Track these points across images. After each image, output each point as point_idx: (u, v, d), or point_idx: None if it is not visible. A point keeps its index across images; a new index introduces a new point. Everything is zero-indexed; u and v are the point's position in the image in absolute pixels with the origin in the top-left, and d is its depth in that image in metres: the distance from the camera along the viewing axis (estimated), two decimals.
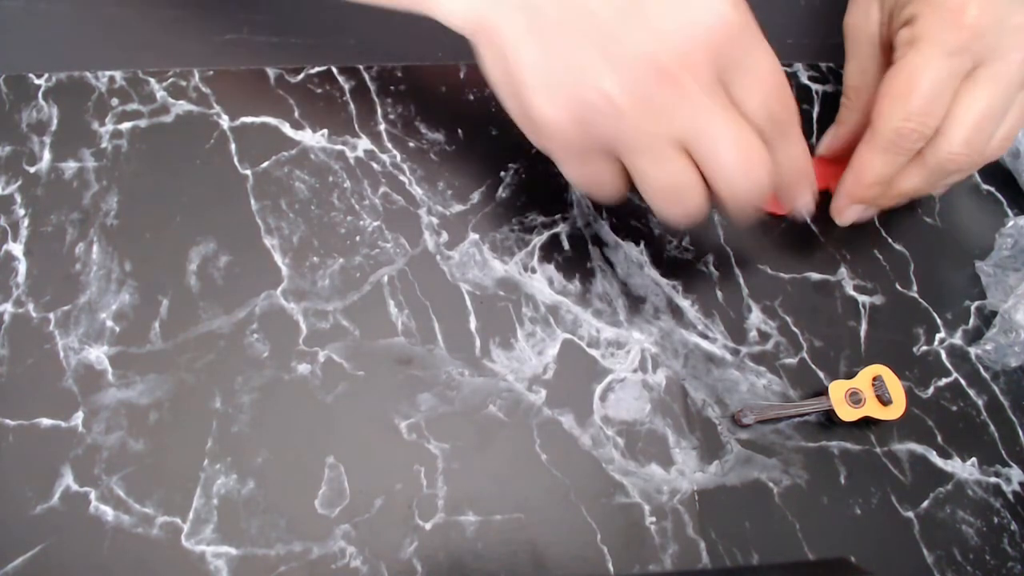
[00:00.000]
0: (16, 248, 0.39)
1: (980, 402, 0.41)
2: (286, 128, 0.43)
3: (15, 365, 0.37)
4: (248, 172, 0.42)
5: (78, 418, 0.37)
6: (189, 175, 0.41)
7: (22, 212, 0.40)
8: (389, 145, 0.43)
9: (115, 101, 0.43)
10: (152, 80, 0.43)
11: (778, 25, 0.47)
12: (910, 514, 0.38)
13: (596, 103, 0.32)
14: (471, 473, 0.37)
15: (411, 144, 0.44)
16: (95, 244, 0.40)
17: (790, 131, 0.35)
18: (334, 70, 0.45)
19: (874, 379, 0.39)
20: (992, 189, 0.46)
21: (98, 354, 0.38)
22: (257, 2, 0.46)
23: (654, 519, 0.37)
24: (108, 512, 0.35)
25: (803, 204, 0.39)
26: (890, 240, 0.44)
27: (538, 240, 0.42)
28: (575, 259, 0.42)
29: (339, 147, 0.43)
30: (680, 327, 0.41)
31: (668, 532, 0.37)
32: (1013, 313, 0.41)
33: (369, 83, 0.45)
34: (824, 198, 0.42)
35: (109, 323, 0.38)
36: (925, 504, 0.39)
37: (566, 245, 0.42)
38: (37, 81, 0.43)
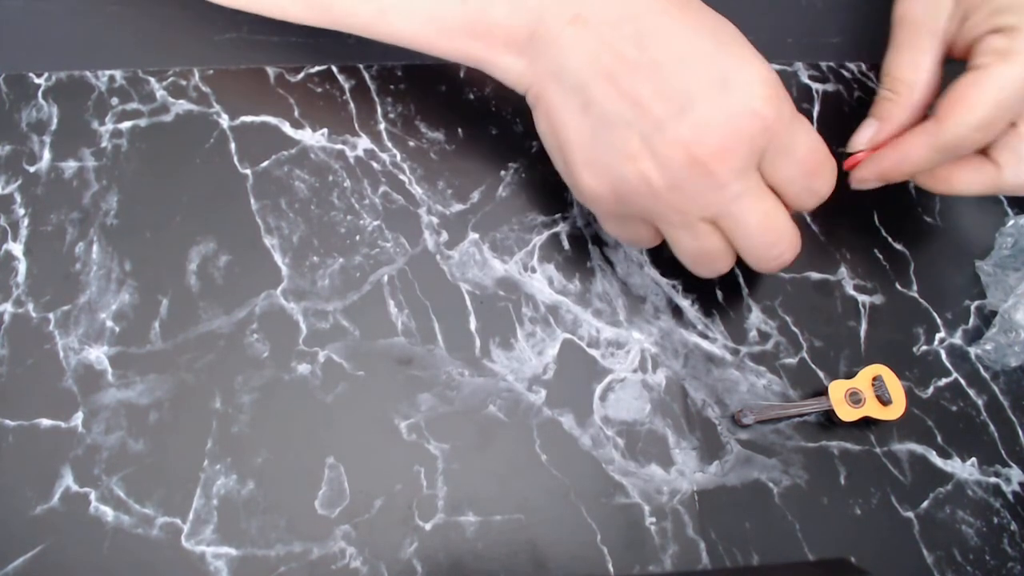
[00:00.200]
0: (16, 248, 0.39)
1: (980, 402, 0.41)
2: (286, 127, 0.43)
3: (15, 365, 0.37)
4: (248, 171, 0.42)
5: (78, 418, 0.37)
6: (189, 175, 0.41)
7: (22, 212, 0.40)
8: (389, 144, 0.43)
9: (115, 100, 0.43)
10: (152, 79, 0.43)
11: (778, 25, 0.47)
12: (910, 514, 0.38)
13: (635, 183, 0.35)
14: (471, 473, 0.37)
15: (411, 143, 0.44)
16: (95, 244, 0.40)
17: (825, 196, 0.37)
18: (334, 69, 0.45)
19: (874, 379, 0.39)
20: None
21: (98, 354, 0.38)
22: None
23: (654, 519, 0.37)
24: (108, 512, 0.35)
25: None
26: (890, 240, 0.44)
27: (538, 240, 0.42)
28: (575, 259, 0.42)
29: (339, 146, 0.43)
30: (680, 327, 0.41)
31: (668, 532, 0.37)
32: (1013, 313, 0.41)
33: (369, 82, 0.45)
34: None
35: (109, 323, 0.38)
36: (925, 504, 0.39)
37: (566, 245, 0.42)
38: (37, 81, 0.43)
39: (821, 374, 0.41)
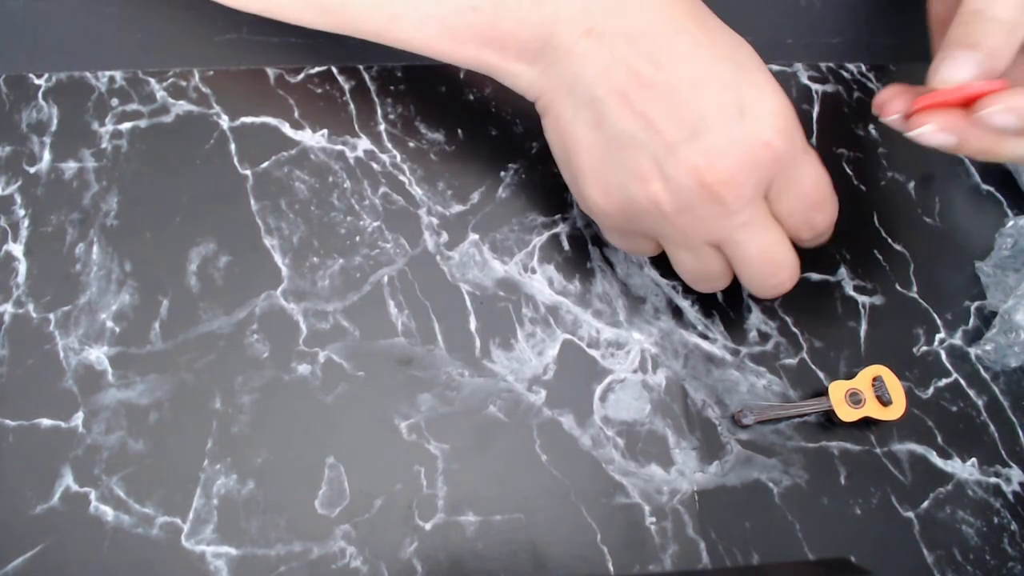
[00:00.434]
0: (16, 248, 0.39)
1: (980, 402, 0.41)
2: (286, 128, 0.43)
3: (15, 365, 0.37)
4: (248, 172, 0.42)
5: (78, 418, 0.37)
6: (189, 175, 0.41)
7: (22, 212, 0.40)
8: (389, 145, 0.43)
9: (115, 101, 0.43)
10: (152, 80, 0.43)
11: (778, 25, 0.47)
12: (910, 514, 0.38)
13: (644, 204, 0.35)
14: (471, 473, 0.37)
15: (411, 144, 0.44)
16: (95, 244, 0.40)
17: (826, 233, 0.38)
18: (334, 70, 0.45)
19: (874, 379, 0.39)
20: (992, 189, 0.46)
21: (98, 354, 0.38)
22: None
23: (654, 519, 0.37)
24: (108, 512, 0.35)
25: None
26: (890, 240, 0.44)
27: (538, 240, 0.42)
28: (575, 259, 0.42)
29: (339, 147, 0.43)
30: (680, 327, 0.41)
31: (668, 532, 0.37)
32: (1013, 313, 0.41)
33: (369, 83, 0.45)
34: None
35: (109, 323, 0.38)
36: (925, 504, 0.39)
37: (566, 245, 0.42)
38: (37, 81, 0.43)
39: (821, 374, 0.41)
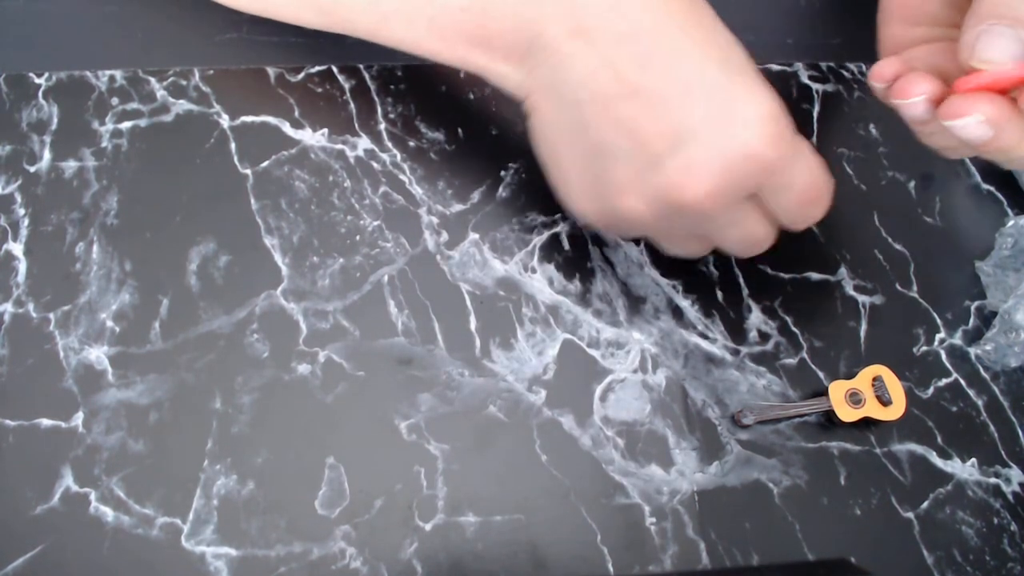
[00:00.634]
0: (16, 248, 0.39)
1: (980, 402, 0.41)
2: (286, 127, 0.43)
3: (15, 365, 0.37)
4: (248, 172, 0.42)
5: (78, 418, 0.37)
6: (189, 174, 0.41)
7: (22, 212, 0.40)
8: (389, 144, 0.43)
9: (115, 100, 0.43)
10: (152, 79, 0.43)
11: (778, 25, 0.47)
12: (910, 514, 0.38)
13: (625, 213, 0.35)
14: (471, 473, 0.37)
15: (411, 144, 0.44)
16: (95, 244, 0.40)
17: (818, 219, 0.37)
18: (334, 69, 0.45)
19: (874, 379, 0.39)
20: (992, 189, 0.46)
21: (98, 354, 0.38)
22: None
23: (654, 520, 0.37)
24: (108, 512, 0.35)
25: None
26: (890, 240, 0.44)
27: (538, 240, 0.42)
28: (575, 259, 0.42)
29: (339, 146, 0.43)
30: (680, 327, 0.41)
31: (668, 533, 0.37)
32: (1013, 313, 0.41)
33: (369, 82, 0.45)
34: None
35: (109, 323, 0.38)
36: (925, 504, 0.39)
37: (566, 245, 0.42)
38: (37, 81, 0.43)
39: (821, 374, 0.41)
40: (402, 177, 0.43)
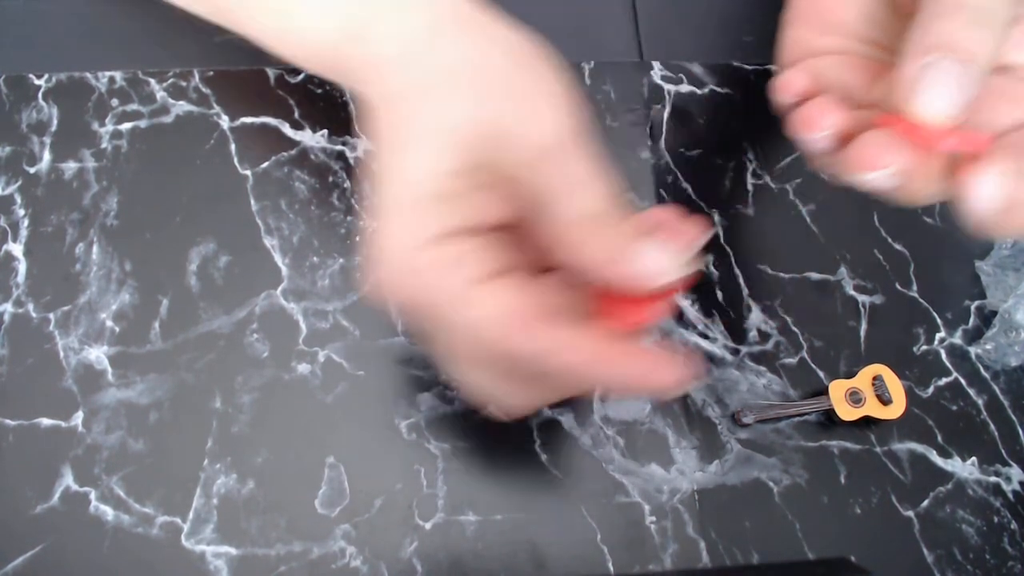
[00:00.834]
0: (16, 248, 0.39)
1: (980, 402, 0.41)
2: (286, 128, 0.43)
3: (15, 365, 0.37)
4: (248, 172, 0.42)
5: (78, 418, 0.37)
6: (189, 175, 0.41)
7: (22, 212, 0.40)
8: None
9: (115, 101, 0.43)
10: (152, 80, 0.43)
11: (778, 25, 0.47)
12: (910, 514, 0.38)
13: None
14: (471, 473, 0.37)
15: None
16: (95, 244, 0.40)
17: None
18: None
19: (874, 379, 0.39)
20: None
21: (98, 354, 0.38)
22: None
23: (654, 519, 0.37)
24: (108, 512, 0.35)
25: None
26: (890, 240, 0.44)
27: None
28: None
29: (339, 147, 0.43)
30: (680, 327, 0.41)
31: (668, 532, 0.37)
32: (1013, 313, 0.41)
33: None
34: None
35: (109, 323, 0.38)
36: (925, 504, 0.39)
37: None
38: (37, 81, 0.43)
39: (821, 374, 0.41)
40: None
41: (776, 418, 0.39)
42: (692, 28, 0.47)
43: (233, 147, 0.42)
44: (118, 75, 0.44)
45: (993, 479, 0.39)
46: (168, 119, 0.42)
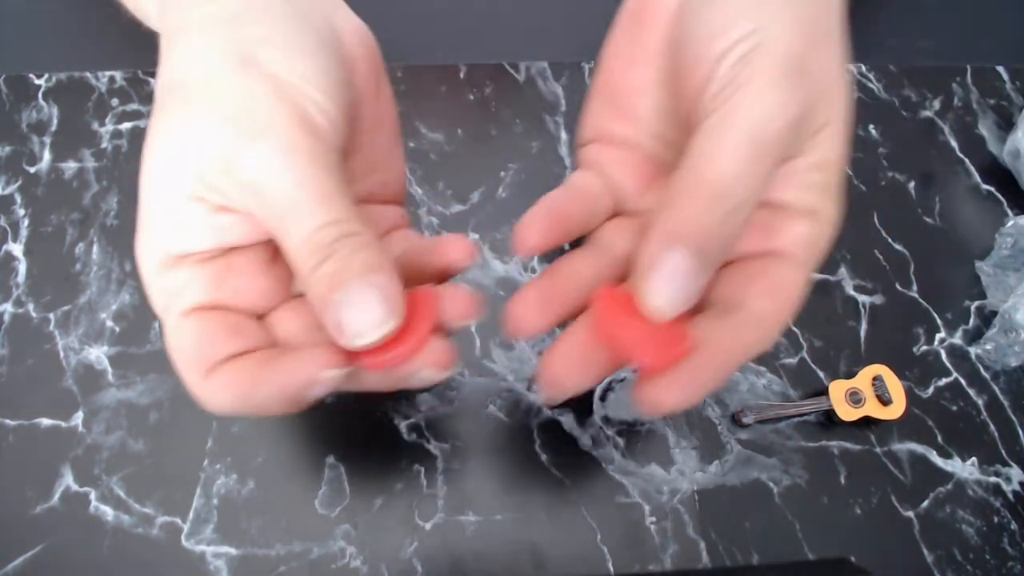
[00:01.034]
0: (16, 248, 0.39)
1: (980, 402, 0.41)
2: None
3: (15, 365, 0.37)
4: None
5: (78, 418, 0.37)
6: None
7: (22, 212, 0.40)
8: None
9: (115, 101, 0.43)
10: (152, 80, 0.43)
11: None
12: (910, 514, 0.38)
13: None
14: (471, 473, 0.37)
15: (411, 144, 0.44)
16: (95, 244, 0.40)
17: None
18: None
19: (874, 379, 0.39)
20: (992, 189, 0.46)
21: (98, 354, 0.38)
22: None
23: (654, 519, 0.37)
24: (108, 512, 0.35)
25: None
26: (890, 240, 0.44)
27: None
28: None
29: None
30: None
31: (668, 532, 0.37)
32: (1013, 313, 0.41)
33: None
34: None
35: (109, 323, 0.38)
36: (925, 504, 0.39)
37: (566, 245, 0.42)
38: (37, 81, 0.43)
39: (821, 374, 0.41)
40: None
41: (776, 418, 0.39)
42: None
43: None
44: (118, 75, 0.44)
45: (993, 479, 0.39)
46: None
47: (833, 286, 0.43)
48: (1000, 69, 0.50)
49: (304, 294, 0.28)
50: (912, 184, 0.46)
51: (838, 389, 0.39)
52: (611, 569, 0.36)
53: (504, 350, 0.40)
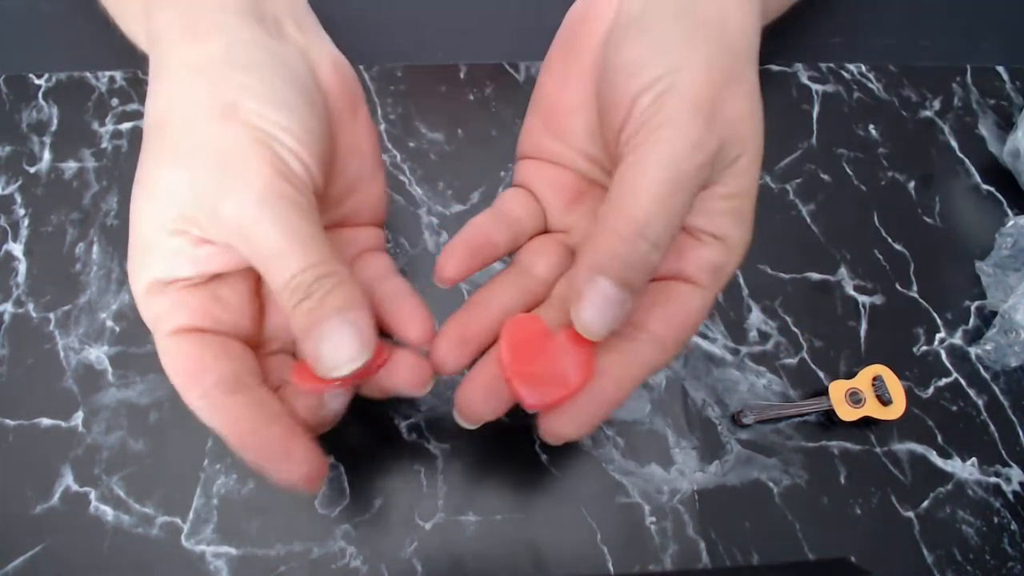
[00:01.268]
0: (16, 248, 0.39)
1: (980, 402, 0.41)
2: None
3: (15, 365, 0.37)
4: None
5: (78, 418, 0.37)
6: None
7: (22, 212, 0.40)
8: (389, 145, 0.43)
9: (115, 101, 0.43)
10: None
11: (778, 25, 0.47)
12: (910, 514, 0.38)
13: None
14: (471, 473, 0.37)
15: (411, 144, 0.44)
16: (95, 244, 0.40)
17: None
18: None
19: (874, 379, 0.39)
20: (992, 189, 0.46)
21: (98, 354, 0.38)
22: None
23: (654, 519, 0.37)
24: (108, 512, 0.35)
25: None
26: (890, 240, 0.44)
27: None
28: None
29: None
30: None
31: (668, 532, 0.37)
32: (1013, 313, 0.41)
33: (369, 83, 0.45)
34: None
35: (109, 323, 0.38)
36: (925, 504, 0.39)
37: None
38: (37, 81, 0.43)
39: (821, 374, 0.41)
40: (402, 178, 0.43)
41: (776, 418, 0.39)
42: None
43: None
44: (118, 75, 0.44)
45: (993, 480, 0.39)
46: None
47: (833, 286, 0.43)
48: (1000, 69, 0.50)
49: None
50: (912, 184, 0.46)
51: (838, 389, 0.39)
52: (611, 569, 0.36)
53: None
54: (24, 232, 0.40)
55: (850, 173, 0.46)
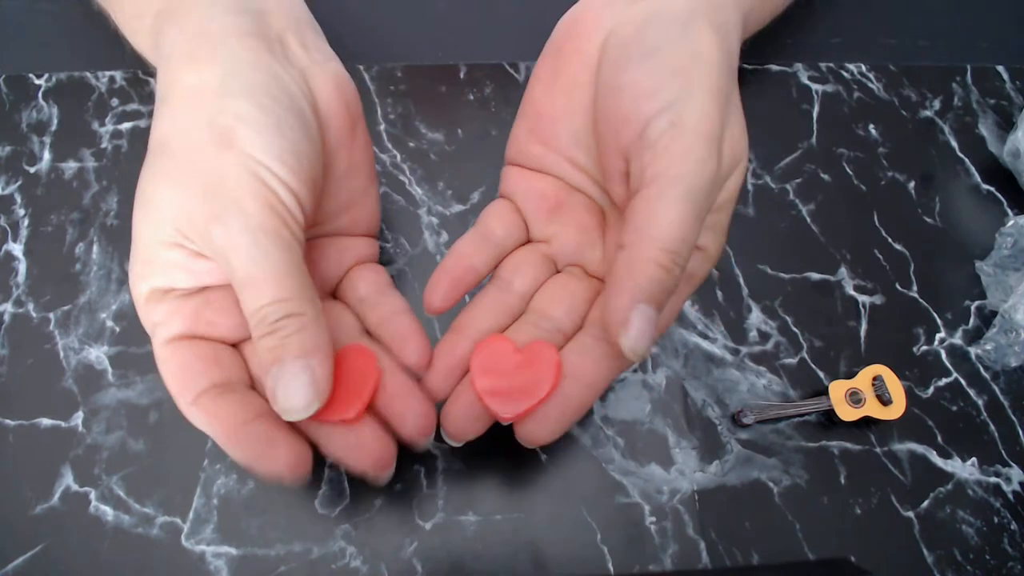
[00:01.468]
0: (16, 248, 0.39)
1: (980, 402, 0.41)
2: None
3: (15, 365, 0.37)
4: None
5: (78, 418, 0.37)
6: None
7: (22, 212, 0.40)
8: (389, 145, 0.43)
9: (115, 101, 0.43)
10: (152, 80, 0.43)
11: (778, 25, 0.47)
12: (910, 514, 0.38)
13: None
14: (471, 473, 0.37)
15: (411, 144, 0.44)
16: (95, 244, 0.40)
17: None
18: None
19: (874, 379, 0.39)
20: (992, 189, 0.46)
21: (98, 354, 0.38)
22: None
23: (654, 519, 0.37)
24: (108, 512, 0.35)
25: None
26: (890, 240, 0.44)
27: None
28: None
29: None
30: (680, 327, 0.41)
31: (668, 532, 0.37)
32: (1013, 313, 0.41)
33: (369, 83, 0.45)
34: None
35: (109, 323, 0.38)
36: (925, 504, 0.39)
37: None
38: (37, 81, 0.43)
39: (821, 374, 0.41)
40: (402, 177, 0.43)
41: (776, 418, 0.39)
42: None
43: None
44: (118, 75, 0.44)
45: (993, 480, 0.39)
46: None
47: (833, 286, 0.43)
48: (1000, 69, 0.50)
49: None
50: (912, 184, 0.46)
51: (838, 389, 0.39)
52: (611, 569, 0.36)
53: None
54: (24, 232, 0.40)
55: (850, 173, 0.46)
